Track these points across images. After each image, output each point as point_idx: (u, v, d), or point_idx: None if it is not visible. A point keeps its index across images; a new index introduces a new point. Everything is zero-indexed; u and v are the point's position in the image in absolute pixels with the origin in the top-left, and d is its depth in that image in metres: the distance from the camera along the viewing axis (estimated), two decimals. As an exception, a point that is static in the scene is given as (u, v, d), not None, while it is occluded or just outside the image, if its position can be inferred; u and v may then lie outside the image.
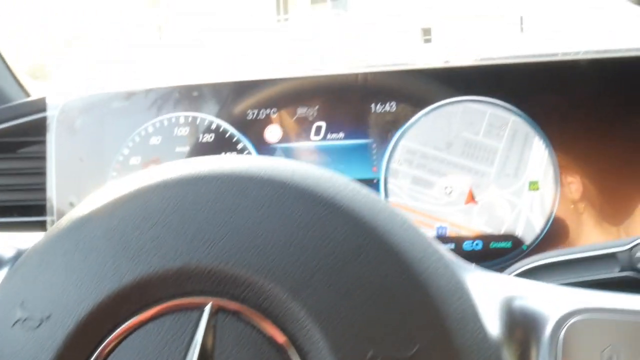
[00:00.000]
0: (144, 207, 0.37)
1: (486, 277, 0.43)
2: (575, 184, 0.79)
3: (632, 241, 0.53)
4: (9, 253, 0.45)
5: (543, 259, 0.57)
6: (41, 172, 0.91)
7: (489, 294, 0.40)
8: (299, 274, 0.35)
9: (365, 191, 0.40)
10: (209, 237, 0.36)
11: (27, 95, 1.01)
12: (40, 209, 0.91)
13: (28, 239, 0.47)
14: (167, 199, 0.37)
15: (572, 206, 0.79)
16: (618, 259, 0.53)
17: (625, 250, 0.52)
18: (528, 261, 0.58)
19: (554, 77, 0.81)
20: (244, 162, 0.41)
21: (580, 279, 0.54)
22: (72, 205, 0.89)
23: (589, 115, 0.79)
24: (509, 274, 0.58)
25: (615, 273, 0.52)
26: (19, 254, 0.45)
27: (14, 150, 0.94)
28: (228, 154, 0.86)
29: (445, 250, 0.40)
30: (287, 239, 0.36)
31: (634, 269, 0.52)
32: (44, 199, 0.91)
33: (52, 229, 0.39)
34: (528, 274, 0.57)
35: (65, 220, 0.39)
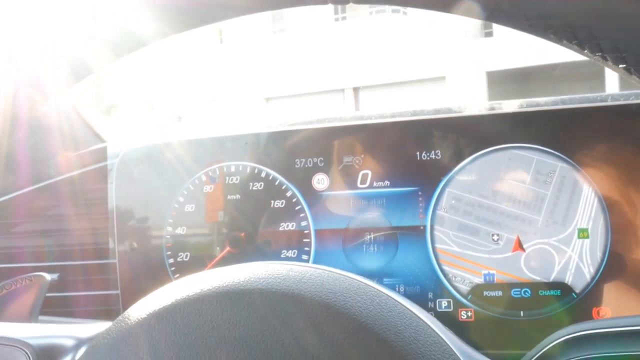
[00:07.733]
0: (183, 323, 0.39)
1: None
2: (626, 232, 0.78)
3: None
4: (69, 343, 0.49)
5: (588, 329, 0.56)
6: (104, 218, 0.97)
7: None
8: None
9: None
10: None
11: (102, 140, 1.06)
12: (103, 252, 0.97)
13: (87, 330, 0.50)
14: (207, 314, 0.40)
15: (624, 254, 0.78)
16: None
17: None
18: (571, 330, 0.57)
19: (603, 123, 0.79)
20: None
21: (627, 353, 0.53)
22: (133, 250, 0.94)
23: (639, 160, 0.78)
24: (555, 341, 0.58)
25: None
26: (79, 344, 0.48)
27: (79, 197, 0.99)
28: (277, 201, 0.89)
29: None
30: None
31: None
32: (107, 243, 0.96)
33: (107, 333, 0.42)
34: (572, 344, 0.56)
35: (118, 328, 0.42)
